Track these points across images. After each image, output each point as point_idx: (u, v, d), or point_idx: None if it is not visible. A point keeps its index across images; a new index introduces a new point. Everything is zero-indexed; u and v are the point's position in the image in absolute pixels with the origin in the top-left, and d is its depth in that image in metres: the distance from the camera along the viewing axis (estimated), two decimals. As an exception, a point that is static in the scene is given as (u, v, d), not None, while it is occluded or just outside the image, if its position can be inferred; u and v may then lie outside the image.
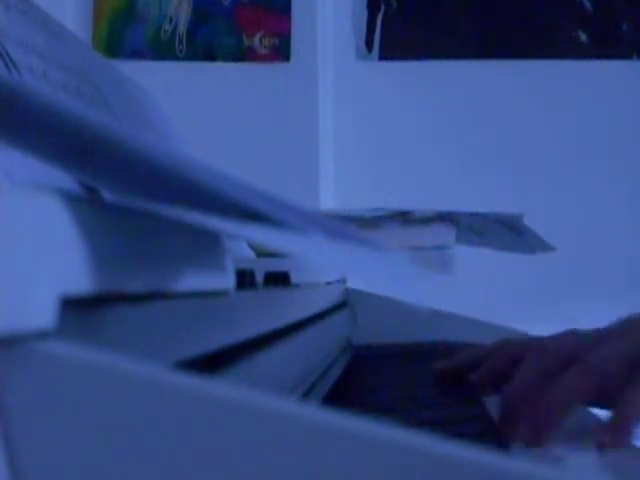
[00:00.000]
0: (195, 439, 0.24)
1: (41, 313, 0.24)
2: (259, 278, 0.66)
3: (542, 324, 1.03)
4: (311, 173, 2.45)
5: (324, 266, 0.86)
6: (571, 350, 0.62)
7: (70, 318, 0.26)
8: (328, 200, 2.46)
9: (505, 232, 1.36)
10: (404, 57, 2.54)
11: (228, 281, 0.45)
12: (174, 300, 0.36)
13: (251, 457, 0.24)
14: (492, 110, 2.51)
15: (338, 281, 1.05)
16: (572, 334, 0.67)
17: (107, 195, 0.34)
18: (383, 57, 2.55)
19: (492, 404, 0.71)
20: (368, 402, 0.76)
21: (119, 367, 0.24)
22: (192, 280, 0.38)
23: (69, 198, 0.27)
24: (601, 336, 0.63)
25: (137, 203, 0.31)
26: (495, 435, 0.60)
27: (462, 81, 2.52)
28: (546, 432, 0.57)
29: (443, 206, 1.35)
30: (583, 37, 2.51)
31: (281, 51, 2.49)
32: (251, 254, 0.94)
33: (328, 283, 0.95)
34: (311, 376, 0.66)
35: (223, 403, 0.24)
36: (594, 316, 0.78)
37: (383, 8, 2.55)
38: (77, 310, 0.27)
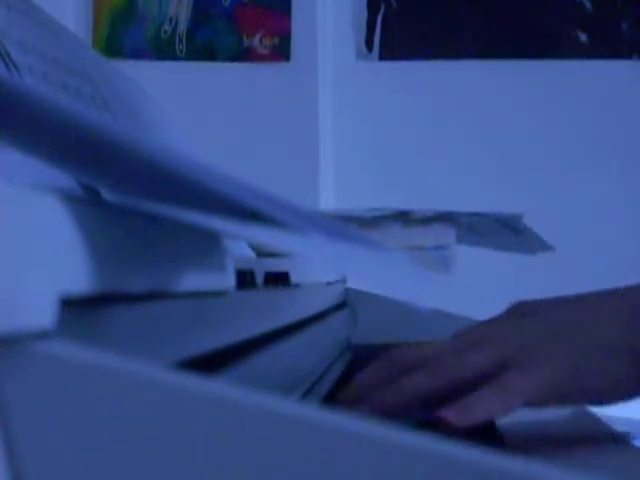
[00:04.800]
0: (195, 439, 0.24)
1: (41, 313, 0.24)
2: (259, 278, 0.66)
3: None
4: (311, 173, 2.45)
5: (324, 266, 0.86)
6: (416, 358, 0.62)
7: (70, 318, 0.26)
8: (328, 200, 2.46)
9: (505, 232, 1.35)
10: (404, 57, 2.54)
11: (228, 281, 0.45)
12: (174, 300, 0.36)
13: (251, 457, 0.24)
14: (492, 110, 2.51)
15: (338, 281, 1.05)
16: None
17: (107, 195, 0.33)
18: (383, 57, 2.55)
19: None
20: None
21: (119, 367, 0.24)
22: (192, 280, 0.38)
23: (69, 198, 0.27)
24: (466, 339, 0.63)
25: (137, 203, 0.31)
26: (495, 435, 0.60)
27: (462, 81, 2.52)
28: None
29: (443, 206, 1.35)
30: (583, 37, 2.51)
31: (281, 51, 2.49)
32: (251, 254, 0.94)
33: (328, 283, 0.95)
34: (311, 376, 0.66)
35: (223, 403, 0.24)
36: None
37: (383, 8, 2.55)
38: (77, 310, 0.27)
